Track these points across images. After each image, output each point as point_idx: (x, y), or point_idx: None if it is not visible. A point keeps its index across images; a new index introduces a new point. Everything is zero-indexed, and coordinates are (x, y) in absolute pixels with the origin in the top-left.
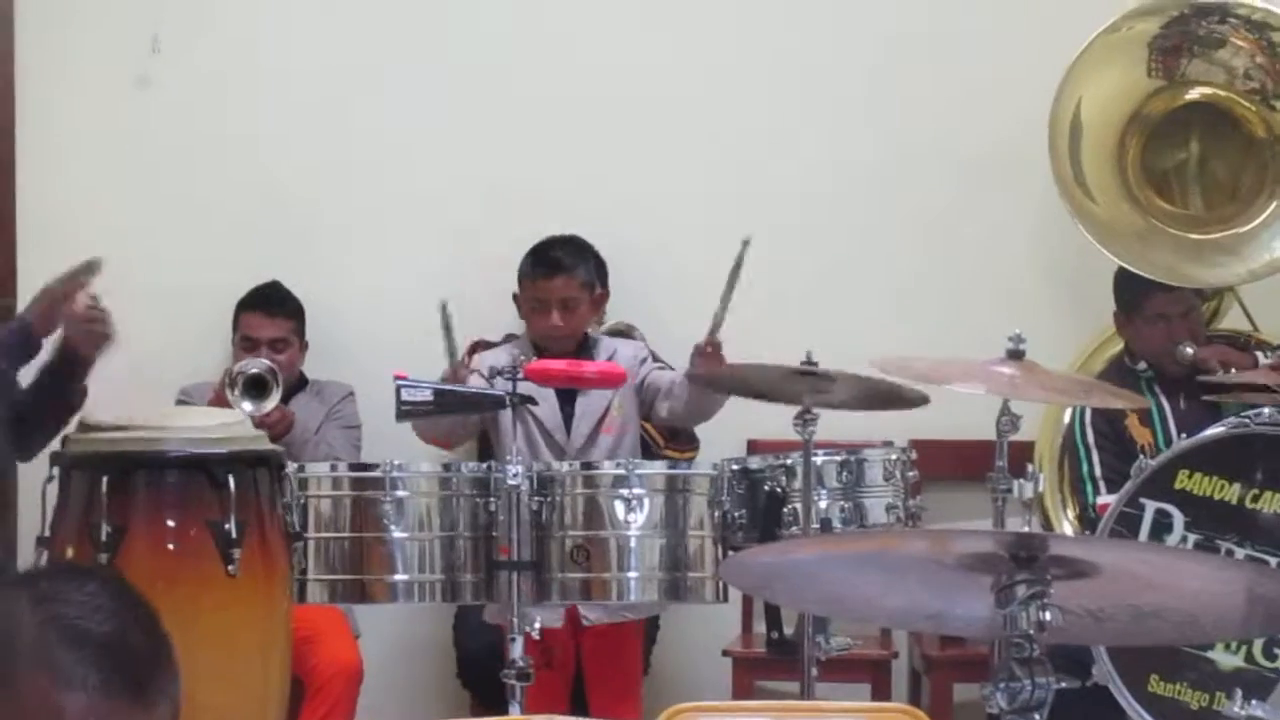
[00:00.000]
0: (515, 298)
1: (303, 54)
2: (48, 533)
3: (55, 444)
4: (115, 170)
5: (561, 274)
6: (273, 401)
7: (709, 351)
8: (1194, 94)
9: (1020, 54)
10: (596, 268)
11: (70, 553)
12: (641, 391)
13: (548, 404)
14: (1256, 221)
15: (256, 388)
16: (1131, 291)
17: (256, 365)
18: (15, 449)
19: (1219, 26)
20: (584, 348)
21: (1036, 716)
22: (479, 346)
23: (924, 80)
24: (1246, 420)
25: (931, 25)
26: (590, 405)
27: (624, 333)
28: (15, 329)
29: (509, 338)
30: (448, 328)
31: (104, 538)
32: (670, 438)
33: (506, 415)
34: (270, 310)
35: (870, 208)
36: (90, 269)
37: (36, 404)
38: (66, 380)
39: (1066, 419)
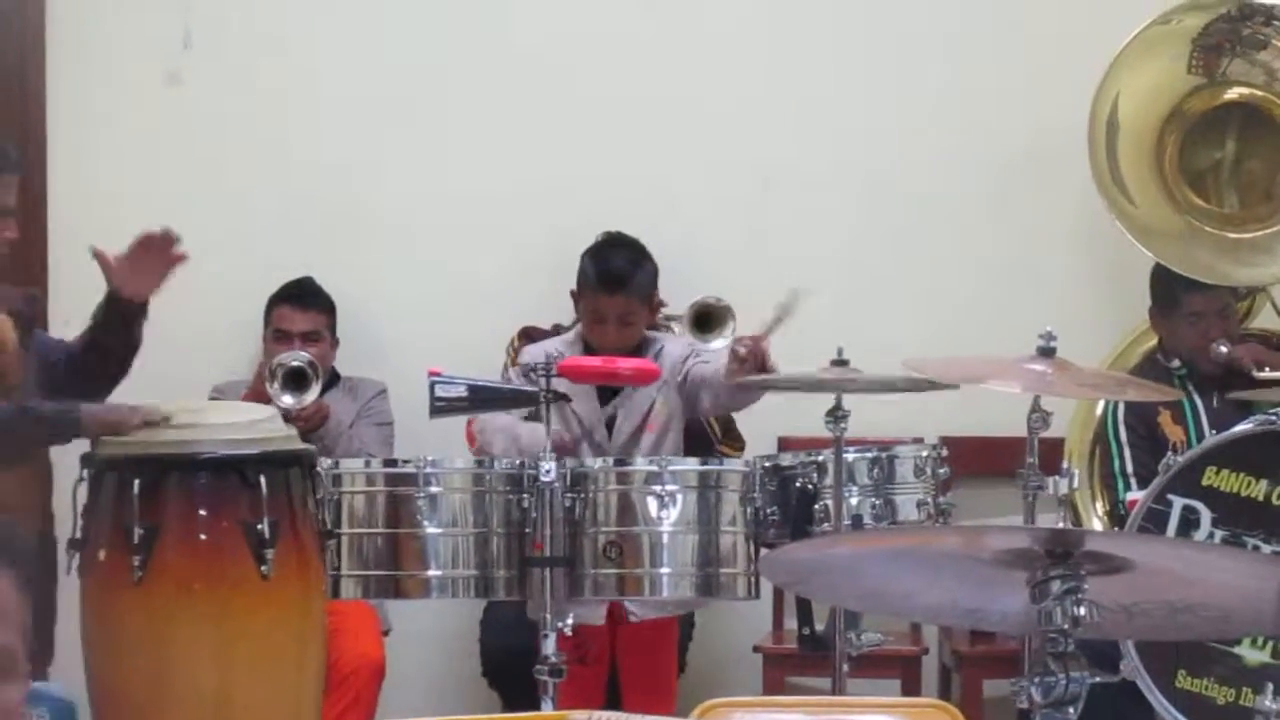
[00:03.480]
0: (573, 294)
1: (335, 51)
2: (79, 534)
3: (85, 445)
4: (146, 166)
5: (622, 292)
6: (313, 395)
7: (745, 356)
8: (1233, 93)
9: (1055, 51)
10: (653, 273)
11: (103, 555)
12: (685, 388)
13: (589, 402)
14: None
15: (296, 381)
16: (1168, 289)
17: (297, 358)
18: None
19: (1264, 29)
20: (638, 345)
21: (1070, 710)
22: (529, 333)
23: (959, 77)
24: (1274, 418)
25: (964, 23)
26: (634, 403)
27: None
28: (64, 417)
29: (557, 329)
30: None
31: (137, 540)
32: (724, 433)
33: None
34: (303, 303)
35: (904, 206)
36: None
37: (85, 365)
38: (120, 331)
39: (1099, 414)
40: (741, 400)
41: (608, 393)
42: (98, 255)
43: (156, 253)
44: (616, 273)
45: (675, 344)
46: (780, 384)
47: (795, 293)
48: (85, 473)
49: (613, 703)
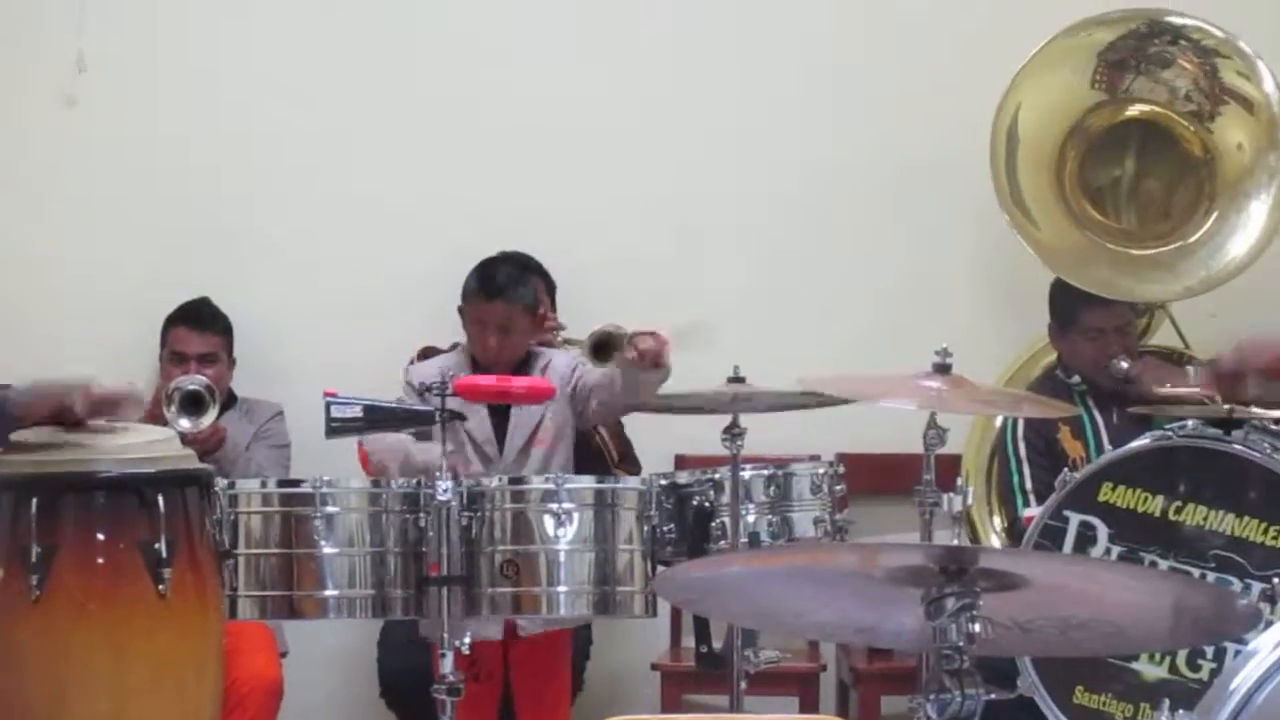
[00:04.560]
0: (460, 310)
1: (233, 72)
2: None
3: None
4: (45, 188)
5: (501, 299)
6: (210, 418)
7: (643, 350)
8: (1135, 110)
9: (957, 64)
10: (547, 286)
11: (1, 574)
12: (575, 399)
13: (478, 417)
14: (1192, 239)
15: (193, 404)
16: (1067, 305)
17: (194, 382)
18: None
19: (1170, 47)
20: (524, 361)
21: None
22: (428, 353)
23: (859, 88)
24: (1169, 433)
25: (868, 32)
26: (523, 418)
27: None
28: None
29: (455, 346)
30: None
31: (34, 559)
32: (622, 458)
33: (437, 430)
34: (200, 325)
35: (801, 217)
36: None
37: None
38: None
39: (997, 428)
40: (628, 401)
41: (498, 408)
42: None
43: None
44: (496, 280)
45: (562, 357)
46: (677, 401)
47: (698, 324)
48: None
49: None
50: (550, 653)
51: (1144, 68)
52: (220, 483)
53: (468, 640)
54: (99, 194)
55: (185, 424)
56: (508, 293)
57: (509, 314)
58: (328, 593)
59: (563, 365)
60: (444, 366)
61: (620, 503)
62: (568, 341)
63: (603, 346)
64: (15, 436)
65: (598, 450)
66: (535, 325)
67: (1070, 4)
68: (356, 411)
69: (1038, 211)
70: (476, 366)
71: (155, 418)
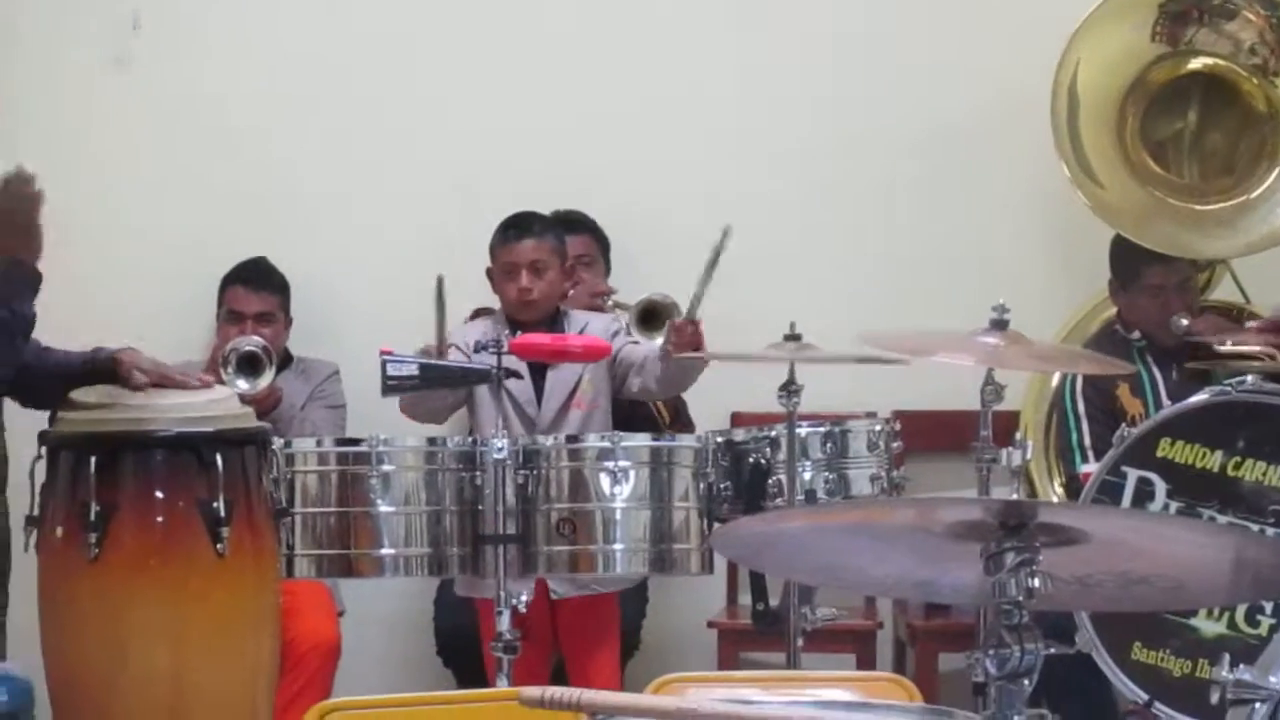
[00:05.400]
0: (488, 273)
1: (286, 28)
2: (36, 512)
3: (43, 423)
4: (97, 150)
5: (530, 237)
6: (267, 379)
7: (688, 330)
8: (1197, 63)
9: (1014, 19)
10: (601, 245)
11: (59, 533)
12: (614, 366)
13: (520, 379)
14: (1254, 194)
15: (250, 365)
16: (1128, 261)
17: (250, 343)
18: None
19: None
20: (555, 321)
21: (1025, 683)
22: (479, 314)
23: (917, 47)
24: (1228, 388)
25: None
26: (560, 380)
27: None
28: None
29: (478, 313)
30: (441, 302)
31: (93, 518)
32: (673, 420)
33: (484, 390)
34: (256, 284)
35: (858, 175)
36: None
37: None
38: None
39: (1055, 386)
40: (676, 384)
41: (537, 368)
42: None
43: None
44: (522, 221)
45: (599, 320)
46: (733, 359)
47: (726, 230)
48: (42, 450)
49: (559, 680)
50: (595, 616)
51: (1207, 19)
52: (277, 442)
53: (524, 599)
54: (155, 155)
55: (242, 385)
56: (535, 232)
57: (538, 253)
58: (384, 551)
59: (601, 329)
60: (483, 330)
61: (676, 460)
62: (618, 305)
63: (650, 315)
64: (74, 395)
65: (647, 415)
66: (564, 275)
67: None
68: (412, 370)
69: (1100, 169)
70: (514, 327)
71: (214, 375)
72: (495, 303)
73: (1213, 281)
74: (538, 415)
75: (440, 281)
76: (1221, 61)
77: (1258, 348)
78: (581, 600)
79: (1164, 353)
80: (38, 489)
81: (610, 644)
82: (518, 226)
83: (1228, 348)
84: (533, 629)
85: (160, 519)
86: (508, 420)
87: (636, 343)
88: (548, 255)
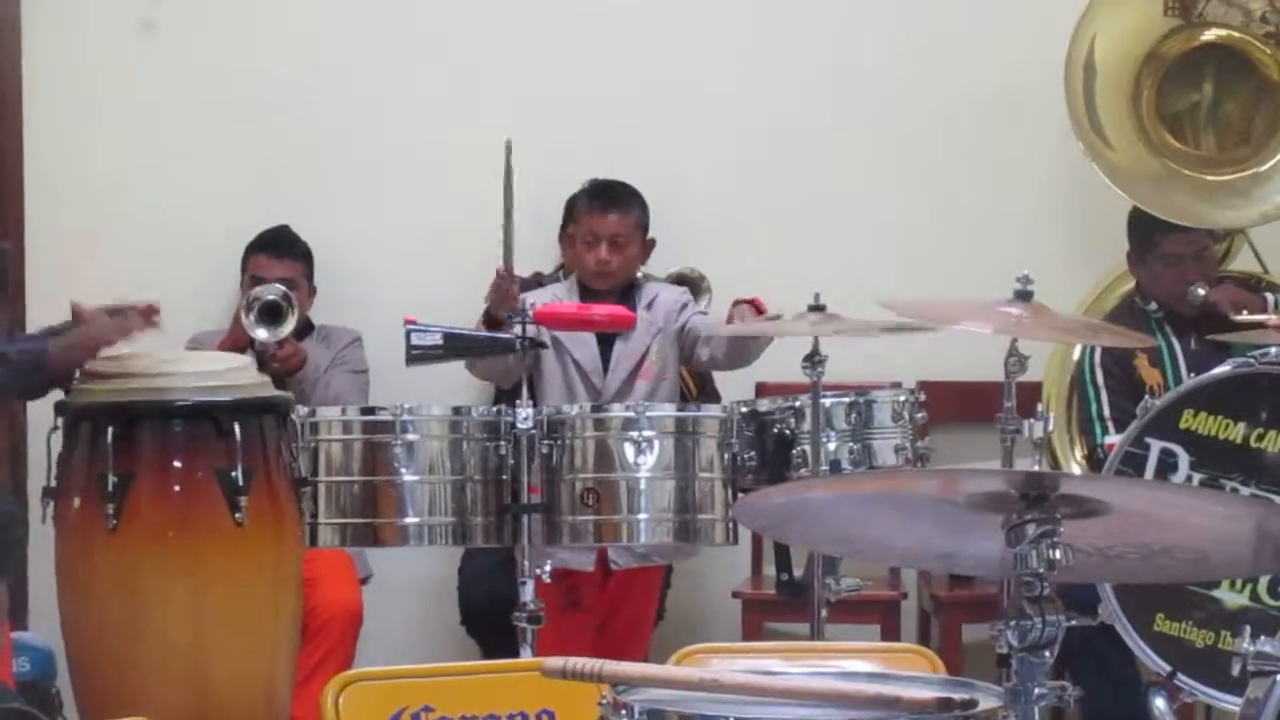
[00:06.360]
0: (563, 236)
1: None
2: (53, 483)
3: (59, 393)
4: (121, 115)
5: (616, 210)
6: (287, 328)
7: (749, 306)
8: (1210, 35)
9: None
10: (645, 207)
11: (77, 503)
12: (682, 337)
13: (587, 348)
14: (1270, 164)
15: (272, 315)
16: (1145, 232)
17: (272, 291)
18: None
19: None
20: (628, 291)
21: (1047, 654)
22: (535, 278)
23: (936, 18)
24: (1251, 360)
25: None
26: (626, 350)
27: (694, 280)
28: (30, 352)
29: (537, 277)
30: (509, 170)
31: (111, 488)
32: (700, 391)
33: (549, 357)
34: (279, 252)
35: (878, 147)
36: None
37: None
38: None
39: (1075, 358)
40: (741, 355)
41: (606, 338)
42: (75, 311)
43: (136, 317)
44: (611, 192)
45: (669, 292)
46: (758, 331)
47: (507, 148)
48: (59, 421)
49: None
50: (645, 588)
51: None
52: (300, 411)
53: (548, 568)
54: (179, 122)
55: (264, 334)
56: (621, 202)
57: (622, 226)
58: (408, 520)
59: (670, 300)
60: (555, 295)
61: (701, 430)
62: (647, 277)
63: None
64: (90, 366)
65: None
66: (646, 249)
67: None
68: (436, 339)
69: (1116, 140)
70: (587, 295)
71: (236, 342)
72: (536, 266)
73: (1231, 252)
74: (603, 384)
75: (509, 147)
76: (1234, 33)
77: (1275, 316)
78: (634, 572)
79: (1182, 323)
80: (54, 460)
81: (648, 616)
82: (604, 198)
83: (1244, 317)
84: (585, 598)
85: (178, 488)
86: (572, 389)
87: (705, 313)
88: (630, 230)
